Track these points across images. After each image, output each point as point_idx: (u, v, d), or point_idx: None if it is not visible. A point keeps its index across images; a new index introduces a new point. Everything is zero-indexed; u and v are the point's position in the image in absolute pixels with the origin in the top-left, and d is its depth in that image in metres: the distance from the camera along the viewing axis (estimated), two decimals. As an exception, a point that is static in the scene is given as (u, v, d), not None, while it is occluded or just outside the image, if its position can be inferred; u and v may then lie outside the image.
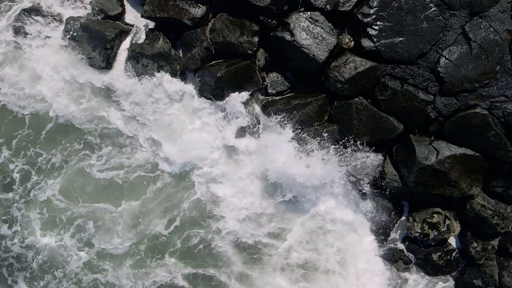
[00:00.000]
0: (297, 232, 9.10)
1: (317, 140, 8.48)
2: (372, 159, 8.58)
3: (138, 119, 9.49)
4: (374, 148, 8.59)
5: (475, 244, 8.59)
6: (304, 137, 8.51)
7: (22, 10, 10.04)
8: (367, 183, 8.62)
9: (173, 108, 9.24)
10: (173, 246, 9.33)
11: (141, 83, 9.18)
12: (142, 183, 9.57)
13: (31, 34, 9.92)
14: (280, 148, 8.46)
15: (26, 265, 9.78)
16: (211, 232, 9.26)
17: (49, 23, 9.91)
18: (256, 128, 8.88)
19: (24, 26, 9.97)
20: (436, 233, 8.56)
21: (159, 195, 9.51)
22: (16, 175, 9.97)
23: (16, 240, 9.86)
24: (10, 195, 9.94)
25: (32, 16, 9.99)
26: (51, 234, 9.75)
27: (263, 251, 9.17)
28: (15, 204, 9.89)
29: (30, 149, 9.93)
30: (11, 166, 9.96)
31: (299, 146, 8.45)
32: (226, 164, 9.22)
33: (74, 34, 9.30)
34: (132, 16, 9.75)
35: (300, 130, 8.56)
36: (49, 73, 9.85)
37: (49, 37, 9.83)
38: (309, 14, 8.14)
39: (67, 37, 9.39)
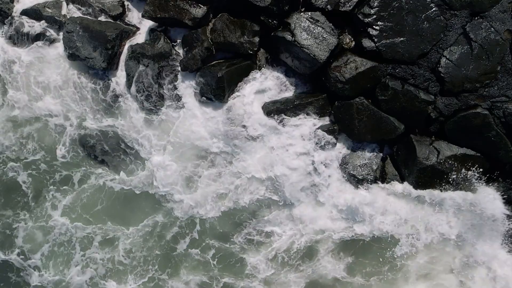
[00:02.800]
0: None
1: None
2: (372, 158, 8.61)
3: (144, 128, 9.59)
4: (374, 148, 8.63)
5: (475, 244, 8.59)
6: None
7: (23, 11, 10.07)
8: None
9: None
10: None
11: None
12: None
13: (32, 39, 9.96)
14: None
15: (28, 280, 9.83)
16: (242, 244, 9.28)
17: (51, 25, 9.91)
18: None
19: (25, 30, 9.98)
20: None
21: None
22: (27, 188, 10.10)
23: (18, 253, 9.93)
24: (20, 210, 10.10)
25: (33, 19, 10.00)
26: (57, 247, 9.85)
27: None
28: (21, 218, 10.05)
29: (42, 164, 10.04)
30: (21, 180, 10.08)
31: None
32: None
33: (75, 35, 9.30)
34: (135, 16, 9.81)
35: None
36: (53, 83, 9.92)
37: (51, 40, 9.86)
38: (309, 14, 8.14)
39: (68, 39, 9.40)
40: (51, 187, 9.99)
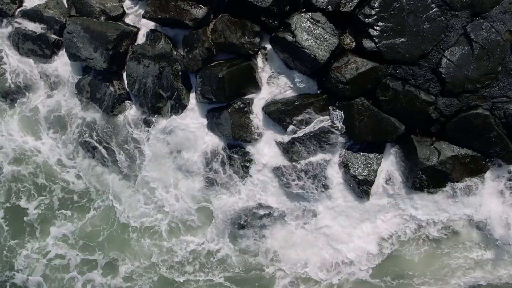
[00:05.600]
0: None
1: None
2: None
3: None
4: (375, 148, 8.62)
5: (476, 245, 8.58)
6: None
7: (23, 12, 10.07)
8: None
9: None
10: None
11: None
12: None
13: (33, 40, 9.97)
14: None
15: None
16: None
17: (52, 27, 9.91)
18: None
19: (26, 32, 9.97)
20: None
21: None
22: (35, 216, 10.25)
23: (19, 275, 10.07)
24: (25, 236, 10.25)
25: (33, 20, 10.00)
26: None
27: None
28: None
29: (51, 191, 10.19)
30: (30, 207, 10.23)
31: None
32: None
33: (75, 36, 9.29)
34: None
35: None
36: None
37: (52, 42, 9.88)
38: (310, 15, 8.13)
39: (69, 40, 9.40)
40: (58, 212, 10.16)
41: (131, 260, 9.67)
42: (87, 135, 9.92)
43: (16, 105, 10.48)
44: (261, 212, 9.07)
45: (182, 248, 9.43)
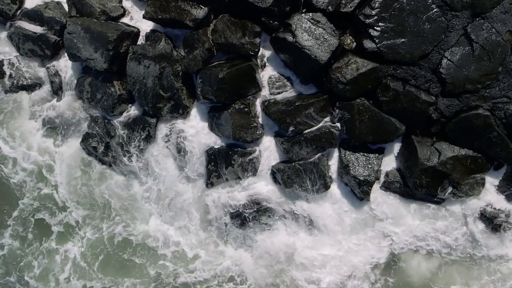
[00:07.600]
0: None
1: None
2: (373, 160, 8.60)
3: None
4: (375, 149, 8.63)
5: (477, 245, 8.57)
6: None
7: (24, 12, 10.05)
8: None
9: None
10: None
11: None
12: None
13: (33, 41, 9.95)
14: None
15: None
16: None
17: (52, 27, 9.90)
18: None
19: (26, 32, 9.95)
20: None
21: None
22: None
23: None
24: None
25: (33, 20, 9.98)
26: None
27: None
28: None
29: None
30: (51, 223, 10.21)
31: None
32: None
33: (76, 36, 9.28)
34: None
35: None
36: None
37: (53, 41, 9.87)
38: (311, 15, 8.13)
39: (69, 40, 9.39)
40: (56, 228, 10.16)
41: (134, 281, 9.65)
42: (87, 136, 9.90)
43: (16, 106, 10.45)
44: (261, 213, 9.07)
45: (188, 268, 9.43)
